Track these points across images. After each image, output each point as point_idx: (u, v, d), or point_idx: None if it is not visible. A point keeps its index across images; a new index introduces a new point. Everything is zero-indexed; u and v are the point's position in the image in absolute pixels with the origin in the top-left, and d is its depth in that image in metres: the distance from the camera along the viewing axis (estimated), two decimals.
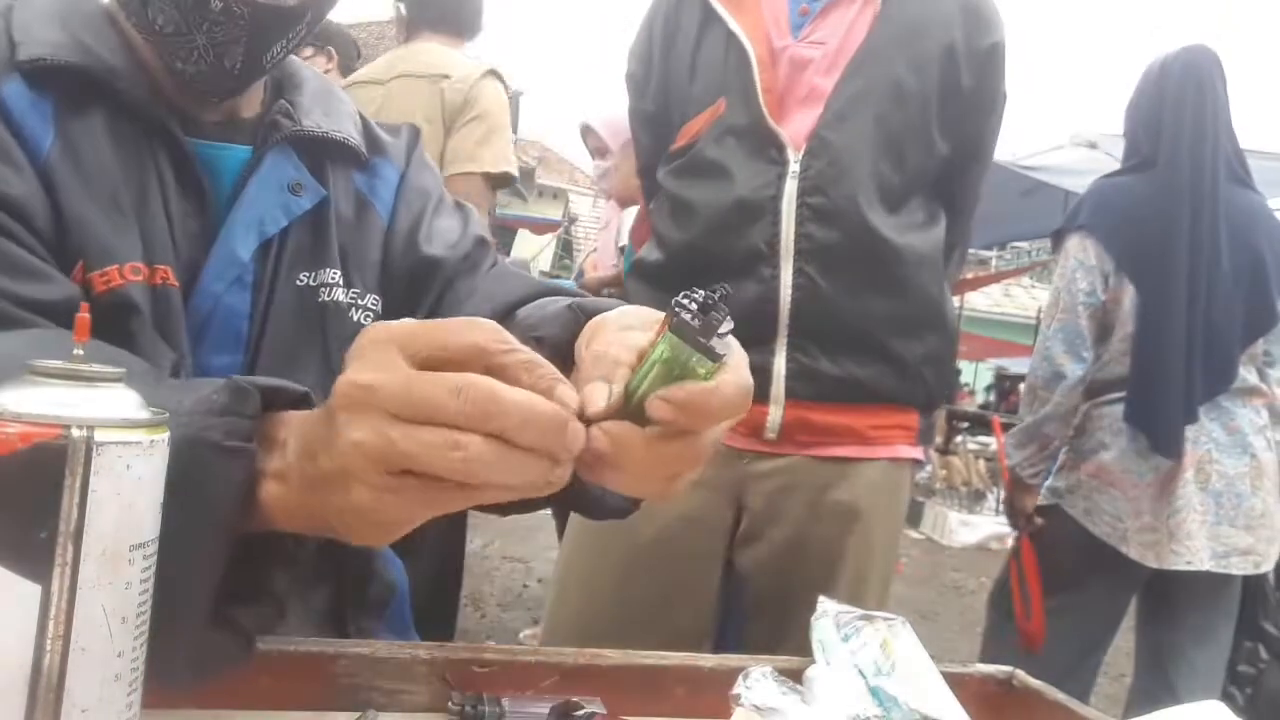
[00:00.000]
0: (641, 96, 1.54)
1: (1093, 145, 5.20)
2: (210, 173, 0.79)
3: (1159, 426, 2.01)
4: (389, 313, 0.86)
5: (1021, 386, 2.35)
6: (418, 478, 0.46)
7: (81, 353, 0.43)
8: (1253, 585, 2.23)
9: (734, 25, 1.40)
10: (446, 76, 2.28)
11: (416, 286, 0.88)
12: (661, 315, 0.50)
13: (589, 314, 0.63)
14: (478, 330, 0.48)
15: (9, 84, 0.72)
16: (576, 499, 0.71)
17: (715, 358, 0.48)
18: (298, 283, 0.81)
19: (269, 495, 0.52)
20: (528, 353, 0.48)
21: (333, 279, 0.83)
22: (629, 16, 1.61)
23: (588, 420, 0.49)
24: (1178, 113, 2.04)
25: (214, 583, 0.51)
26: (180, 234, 0.76)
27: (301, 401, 0.55)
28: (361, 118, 0.92)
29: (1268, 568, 2.13)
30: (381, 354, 0.46)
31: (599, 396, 0.49)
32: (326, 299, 0.82)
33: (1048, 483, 2.16)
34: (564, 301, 0.72)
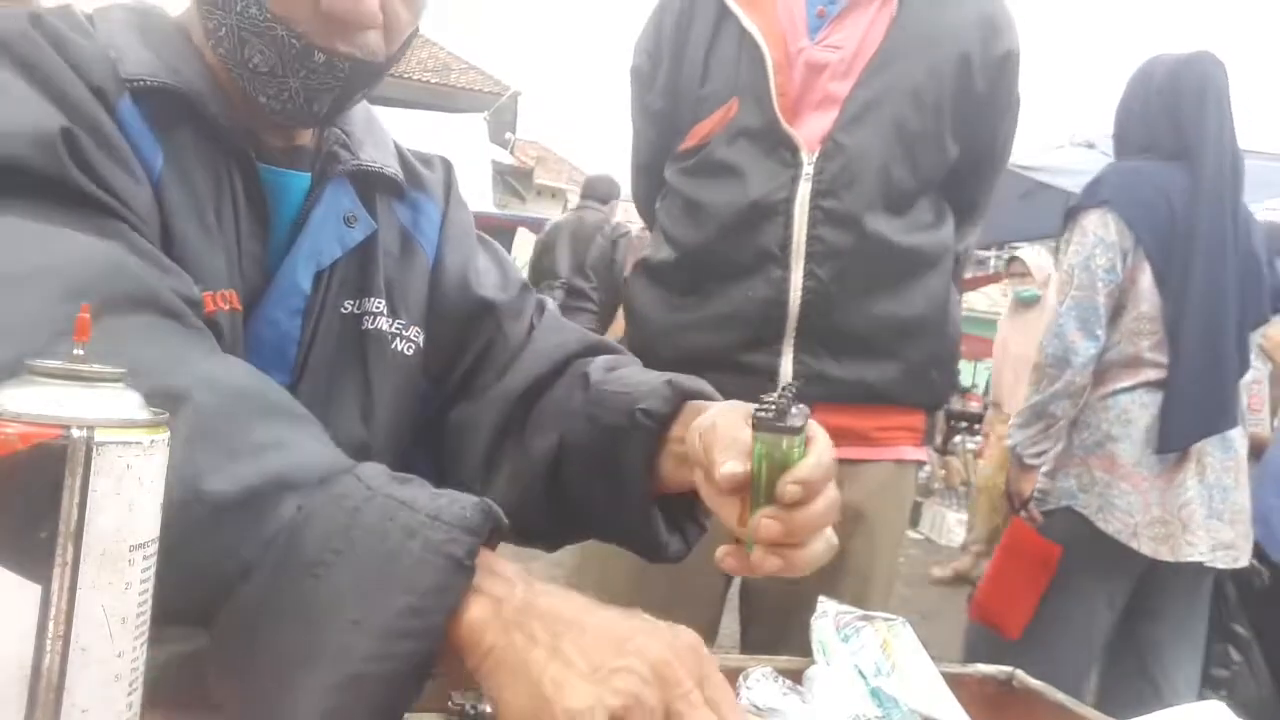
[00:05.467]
0: (647, 91, 1.53)
1: (1091, 145, 5.19)
2: (273, 198, 0.80)
3: (1214, 400, 2.00)
4: (434, 347, 0.89)
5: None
6: None
7: (81, 352, 0.43)
8: (1217, 585, 2.24)
9: (749, 25, 1.40)
10: None
11: (470, 327, 0.92)
12: (751, 408, 0.65)
13: (685, 392, 0.79)
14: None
15: (122, 103, 0.72)
16: (642, 543, 0.80)
17: (798, 432, 0.63)
18: (342, 310, 0.83)
19: (475, 614, 0.51)
20: None
21: (376, 308, 0.85)
22: (630, 16, 1.60)
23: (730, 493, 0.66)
24: (1200, 110, 2.05)
25: (386, 698, 0.50)
26: (245, 258, 0.77)
27: (499, 536, 0.56)
28: (398, 147, 0.94)
29: (1244, 562, 2.15)
30: (694, 669, 0.50)
31: (737, 468, 0.64)
32: (369, 327, 0.84)
33: (1057, 484, 2.12)
34: (659, 376, 0.82)
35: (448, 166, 0.99)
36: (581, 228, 4.50)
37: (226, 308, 0.73)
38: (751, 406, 0.66)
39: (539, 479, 0.84)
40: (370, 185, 0.87)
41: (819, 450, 0.65)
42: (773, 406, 0.63)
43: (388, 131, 0.94)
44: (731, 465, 0.64)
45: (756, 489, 0.64)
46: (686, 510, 0.82)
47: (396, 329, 0.86)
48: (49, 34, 0.71)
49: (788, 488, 0.62)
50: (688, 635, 0.51)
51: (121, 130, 0.71)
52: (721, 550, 0.68)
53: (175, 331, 0.60)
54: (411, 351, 0.87)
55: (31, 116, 0.65)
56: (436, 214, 0.94)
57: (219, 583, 0.49)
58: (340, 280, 0.83)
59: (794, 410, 0.64)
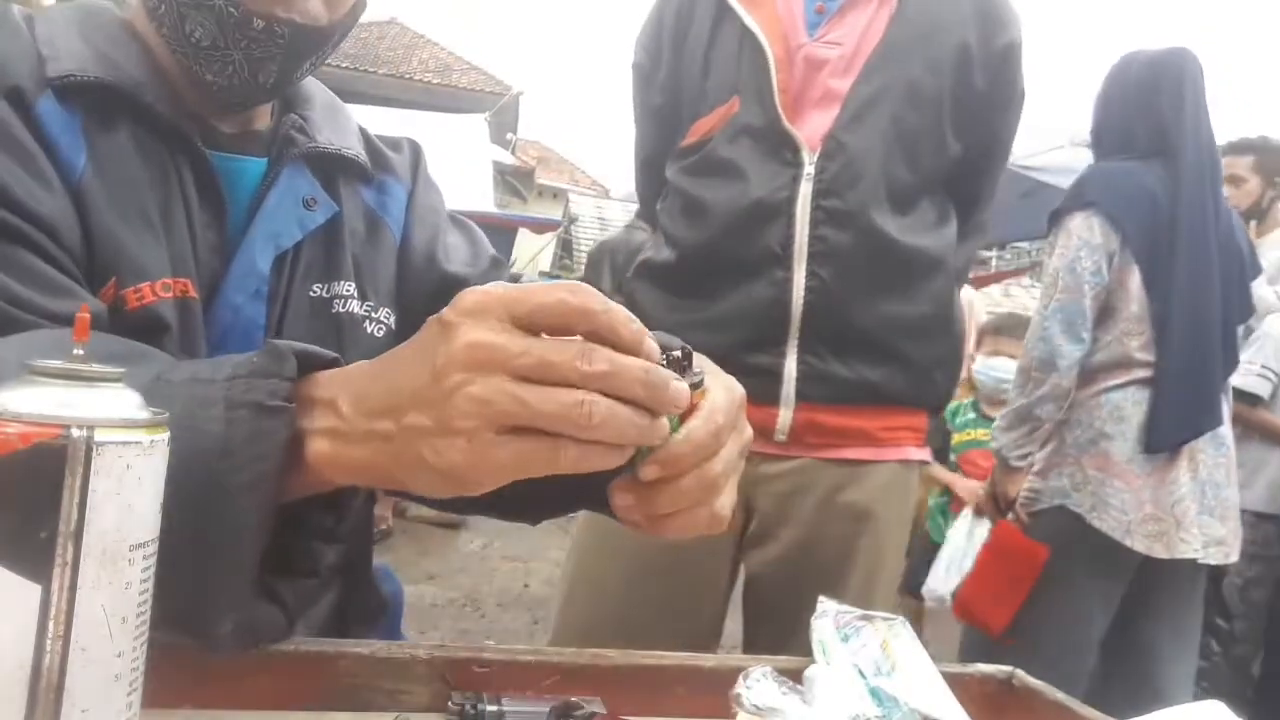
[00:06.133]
0: (648, 88, 1.53)
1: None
2: (228, 184, 0.80)
3: (1201, 400, 2.01)
4: (405, 328, 0.88)
5: None
6: (524, 436, 0.48)
7: (81, 353, 0.43)
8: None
9: (750, 22, 1.39)
10: None
11: (439, 302, 0.89)
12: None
13: None
14: (575, 294, 0.50)
15: (43, 101, 0.72)
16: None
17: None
18: (311, 294, 0.83)
19: (318, 453, 0.53)
20: (621, 309, 0.51)
21: (347, 291, 0.84)
22: (631, 15, 1.60)
23: None
24: (1177, 108, 2.05)
25: (261, 546, 0.53)
26: (200, 246, 0.77)
27: (331, 366, 0.57)
28: (363, 132, 0.93)
29: (1234, 558, 2.16)
30: (490, 318, 0.49)
31: None
32: (341, 310, 0.84)
33: (1049, 483, 2.13)
34: None
35: (415, 149, 0.99)
36: (626, 247, 4.54)
37: (170, 295, 0.73)
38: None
39: None
40: (331, 168, 0.87)
41: (692, 427, 0.55)
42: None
43: (352, 118, 0.93)
44: None
45: (638, 455, 0.55)
46: None
47: (366, 311, 0.85)
48: None
49: (644, 469, 0.55)
50: (466, 310, 0.51)
51: (39, 129, 0.71)
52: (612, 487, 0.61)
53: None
54: (383, 334, 0.86)
55: None
56: (403, 194, 0.93)
57: None
58: (306, 263, 0.83)
59: (687, 375, 0.55)
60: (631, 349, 0.50)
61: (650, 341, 0.51)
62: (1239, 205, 3.00)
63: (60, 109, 0.72)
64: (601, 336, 0.49)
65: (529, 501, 0.86)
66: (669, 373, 0.51)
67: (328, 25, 0.79)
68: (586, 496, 0.80)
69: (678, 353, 0.55)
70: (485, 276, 0.93)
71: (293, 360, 0.54)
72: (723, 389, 0.59)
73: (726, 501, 0.60)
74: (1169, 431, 2.01)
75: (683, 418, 0.55)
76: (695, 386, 0.56)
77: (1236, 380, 3.06)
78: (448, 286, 0.90)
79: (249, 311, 0.78)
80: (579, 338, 0.49)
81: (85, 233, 0.71)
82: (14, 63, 0.72)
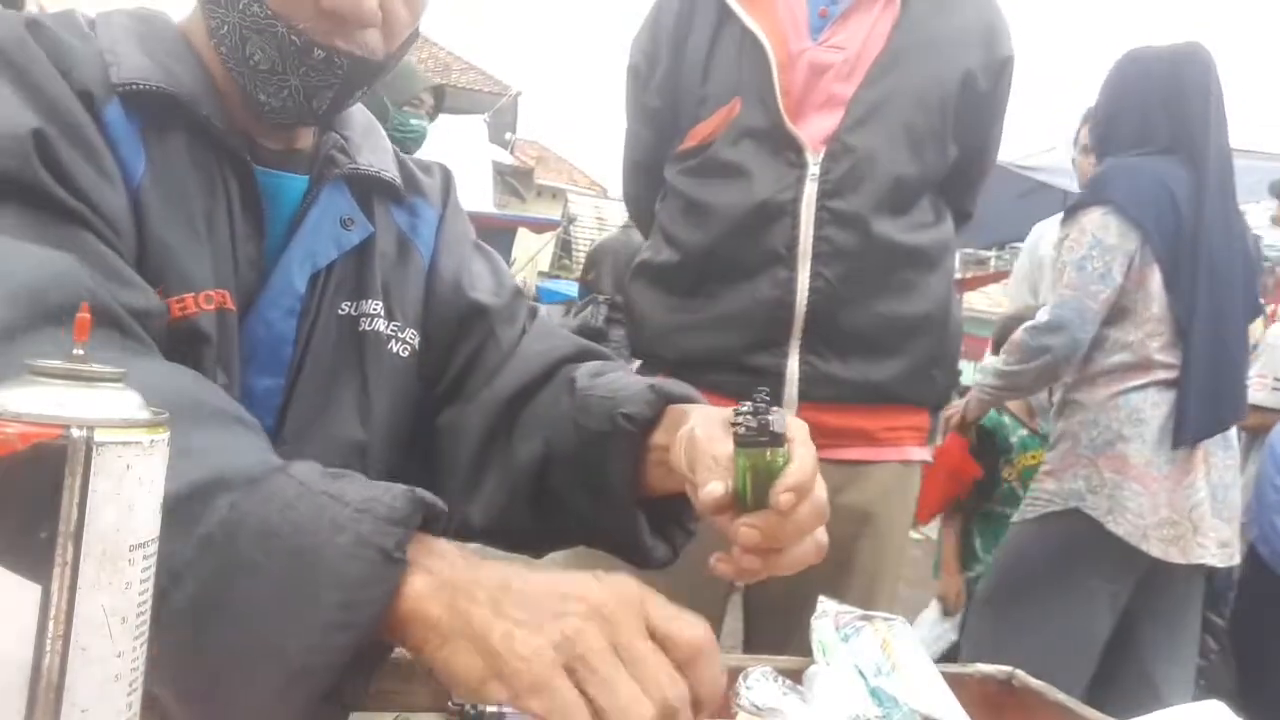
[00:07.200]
0: (644, 89, 1.53)
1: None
2: (269, 200, 0.81)
3: (1225, 394, 2.02)
4: (428, 350, 0.90)
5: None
6: (571, 689, 0.47)
7: (81, 353, 0.43)
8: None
9: (751, 24, 1.39)
10: None
11: (463, 330, 0.92)
12: (729, 412, 0.65)
13: (668, 397, 0.78)
14: (700, 641, 0.51)
15: (110, 107, 0.73)
16: (628, 548, 0.80)
17: (781, 441, 0.63)
18: (339, 312, 0.84)
19: (406, 604, 0.52)
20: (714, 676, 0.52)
21: (374, 310, 0.86)
22: (631, 16, 1.60)
23: (714, 513, 0.65)
24: (1204, 103, 2.04)
25: (334, 684, 0.51)
26: (240, 258, 0.78)
27: (439, 517, 0.56)
28: (397, 155, 0.95)
29: (1237, 560, 2.16)
30: (636, 601, 0.51)
31: (718, 489, 0.63)
32: (367, 328, 0.85)
33: (1064, 485, 2.09)
34: (643, 381, 0.82)
35: (447, 174, 1.00)
36: (626, 249, 4.56)
37: (212, 308, 0.74)
38: (729, 412, 0.65)
39: (525, 484, 0.84)
40: (368, 189, 0.88)
41: (803, 455, 0.64)
42: (752, 417, 0.62)
43: (386, 139, 0.95)
44: (713, 487, 0.64)
45: (742, 501, 0.64)
46: (674, 516, 0.82)
47: (393, 331, 0.87)
48: (44, 38, 0.72)
49: (781, 497, 0.61)
50: (627, 583, 0.52)
51: (105, 133, 0.72)
52: (714, 557, 0.68)
53: (112, 341, 0.61)
54: (407, 354, 0.87)
55: (5, 118, 0.66)
56: (434, 218, 0.95)
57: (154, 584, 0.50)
58: (337, 282, 0.84)
59: (772, 417, 0.63)
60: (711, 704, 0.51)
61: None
62: None
63: (124, 115, 0.73)
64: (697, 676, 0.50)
65: (541, 535, 0.88)
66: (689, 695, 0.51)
67: (384, 58, 0.80)
68: (598, 536, 0.82)
69: (758, 405, 0.62)
70: (509, 307, 0.94)
71: (420, 514, 0.53)
72: (797, 423, 0.65)
73: (823, 529, 0.66)
74: (1196, 426, 1.99)
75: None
76: (781, 438, 0.62)
77: (1250, 395, 3.07)
78: (473, 314, 0.92)
79: (281, 327, 0.80)
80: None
81: (139, 238, 0.72)
82: (84, 66, 0.73)
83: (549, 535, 0.88)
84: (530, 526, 0.86)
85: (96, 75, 0.73)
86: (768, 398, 0.62)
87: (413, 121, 3.07)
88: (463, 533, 0.86)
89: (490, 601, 0.51)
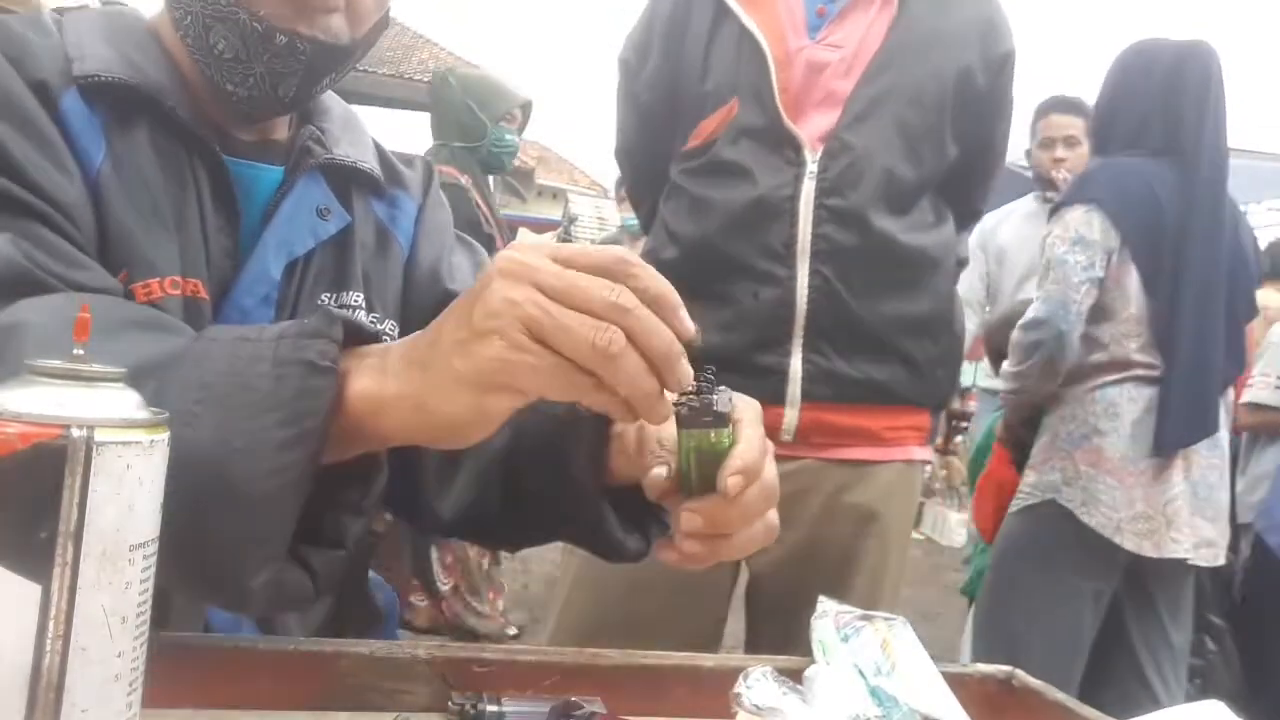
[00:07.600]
0: (634, 80, 1.53)
1: None
2: (243, 191, 0.81)
3: (1201, 405, 2.01)
4: None
5: None
6: (551, 353, 0.50)
7: (81, 353, 0.43)
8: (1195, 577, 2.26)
9: (749, 22, 1.40)
10: None
11: None
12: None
13: None
14: (611, 253, 0.53)
15: (68, 97, 0.73)
16: (600, 541, 0.77)
17: (726, 421, 0.59)
18: (319, 302, 0.83)
19: (359, 392, 0.55)
20: (654, 280, 0.53)
21: (355, 301, 0.85)
22: (631, 16, 1.59)
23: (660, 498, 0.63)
24: (1200, 105, 2.03)
25: (300, 503, 0.54)
26: (213, 249, 0.78)
27: (373, 341, 0.59)
28: (378, 146, 0.95)
29: (1222, 560, 2.16)
30: (535, 251, 0.52)
31: (661, 473, 0.62)
32: None
33: (1042, 477, 2.12)
34: None
35: (428, 166, 1.00)
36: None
37: (179, 294, 0.74)
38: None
39: (495, 475, 0.83)
40: (346, 180, 0.88)
41: (750, 435, 0.61)
42: (695, 396, 0.58)
43: (367, 131, 0.95)
44: (657, 471, 0.63)
45: (687, 485, 0.61)
46: (647, 506, 0.79)
47: (373, 321, 0.86)
48: (2, 33, 0.73)
49: (729, 480, 0.58)
50: (520, 245, 0.54)
51: (62, 123, 0.72)
52: (656, 544, 0.67)
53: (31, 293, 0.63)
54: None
55: None
56: (413, 209, 0.94)
57: None
58: (316, 272, 0.83)
59: (716, 397, 0.59)
60: (666, 307, 0.52)
61: (684, 313, 0.53)
62: (1075, 169, 2.98)
63: (83, 107, 0.74)
64: (639, 289, 0.51)
65: (512, 528, 0.87)
66: (680, 349, 0.53)
67: (349, 43, 0.80)
68: (568, 529, 0.81)
69: (702, 385, 0.58)
70: None
71: (340, 325, 0.56)
72: (747, 402, 0.63)
73: (774, 511, 0.63)
74: (1175, 435, 2.00)
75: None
76: (725, 418, 0.59)
77: (1253, 394, 3.07)
78: (449, 303, 0.91)
79: (256, 315, 0.79)
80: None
81: (100, 226, 0.72)
82: (42, 59, 0.74)
83: (520, 528, 0.86)
84: (501, 519, 0.85)
85: (53, 67, 0.74)
86: (712, 376, 0.58)
87: (507, 136, 3.16)
88: (436, 527, 0.85)
89: (429, 345, 0.54)
